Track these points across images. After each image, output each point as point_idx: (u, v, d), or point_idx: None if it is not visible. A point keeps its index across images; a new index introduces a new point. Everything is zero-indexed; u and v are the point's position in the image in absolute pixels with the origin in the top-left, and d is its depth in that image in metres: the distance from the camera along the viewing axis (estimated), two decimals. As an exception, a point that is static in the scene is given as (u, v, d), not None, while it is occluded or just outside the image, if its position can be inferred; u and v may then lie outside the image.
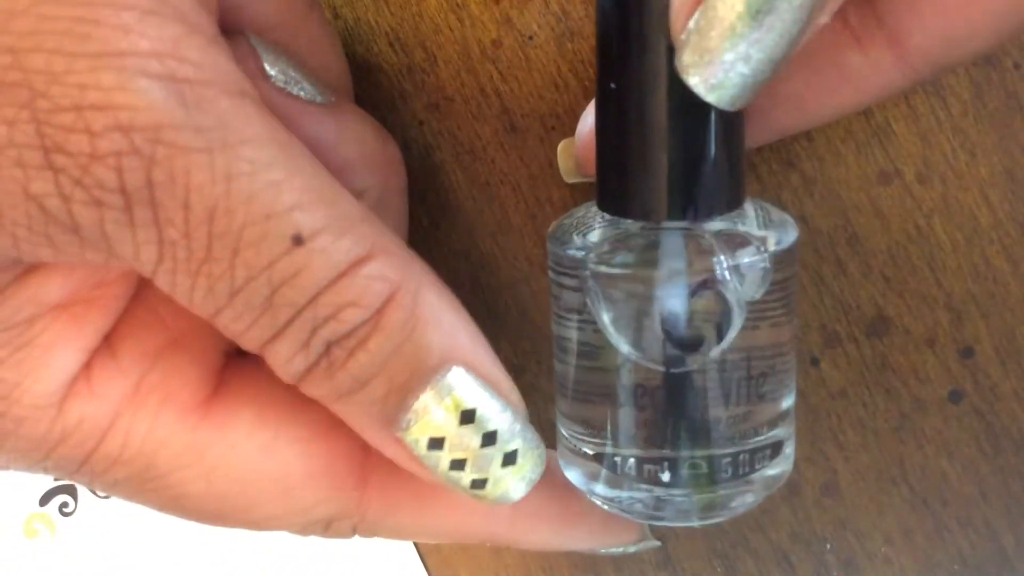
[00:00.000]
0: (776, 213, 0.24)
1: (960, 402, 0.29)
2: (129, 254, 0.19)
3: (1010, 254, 0.28)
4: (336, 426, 0.23)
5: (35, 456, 0.22)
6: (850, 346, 0.29)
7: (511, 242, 0.29)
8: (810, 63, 0.23)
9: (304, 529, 0.24)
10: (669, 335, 0.22)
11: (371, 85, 0.29)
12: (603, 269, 0.22)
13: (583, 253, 0.23)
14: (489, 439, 0.22)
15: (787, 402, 0.24)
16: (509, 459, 0.22)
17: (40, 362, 0.21)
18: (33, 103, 0.18)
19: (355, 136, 0.25)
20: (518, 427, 0.22)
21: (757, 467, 0.23)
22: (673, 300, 0.22)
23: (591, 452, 0.24)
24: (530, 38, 0.28)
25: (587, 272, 0.23)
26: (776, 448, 0.24)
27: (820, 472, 0.30)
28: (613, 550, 0.27)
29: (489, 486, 0.22)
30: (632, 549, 0.27)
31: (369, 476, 0.24)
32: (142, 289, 0.23)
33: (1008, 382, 0.29)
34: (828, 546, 0.30)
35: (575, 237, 0.23)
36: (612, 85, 0.22)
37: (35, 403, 0.21)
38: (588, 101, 0.28)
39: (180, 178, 0.18)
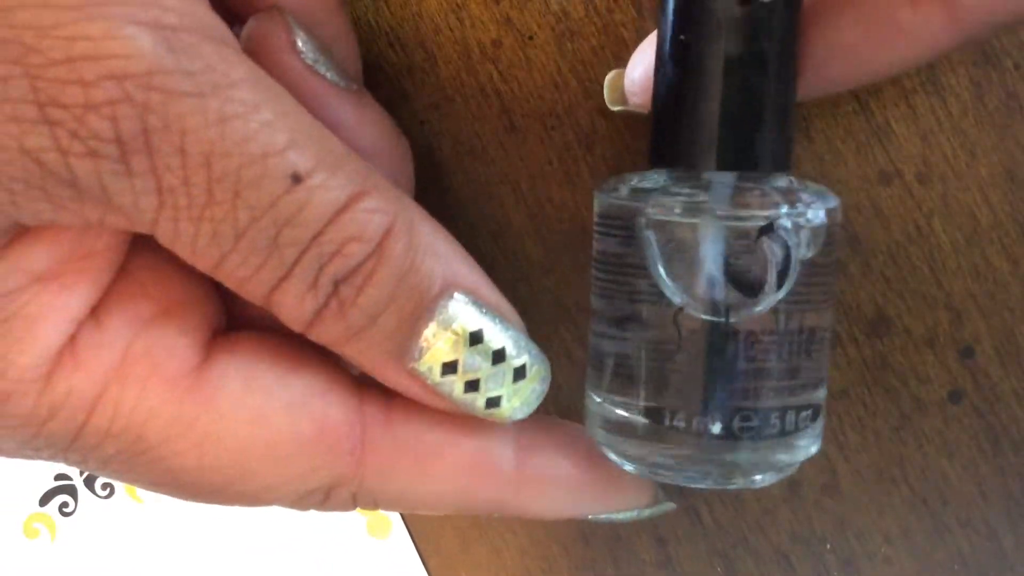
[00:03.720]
0: (813, 184, 0.25)
1: (960, 402, 0.29)
2: (128, 205, 0.19)
3: (1010, 254, 0.28)
4: (328, 391, 0.23)
5: (25, 433, 0.21)
6: (850, 346, 0.29)
7: (511, 242, 0.29)
8: (865, 15, 0.24)
9: (302, 500, 0.24)
10: (732, 279, 0.23)
11: (371, 85, 0.29)
12: (662, 216, 0.23)
13: (640, 203, 0.24)
14: (499, 357, 0.22)
15: (826, 367, 0.25)
16: (519, 374, 0.23)
17: (27, 333, 0.21)
18: (25, 58, 0.18)
19: (373, 125, 0.25)
20: (523, 342, 0.23)
21: (801, 426, 0.24)
22: (736, 244, 0.23)
23: (628, 415, 0.24)
24: (530, 38, 0.28)
25: (644, 220, 0.23)
26: (816, 412, 0.24)
27: (820, 472, 0.30)
28: (626, 515, 0.27)
29: (504, 403, 0.23)
30: (647, 513, 0.27)
31: (365, 441, 0.24)
32: (128, 262, 0.23)
33: (1008, 382, 0.29)
34: (828, 546, 0.30)
35: (630, 191, 0.24)
36: (681, 37, 0.23)
37: (21, 376, 0.21)
38: (588, 101, 0.28)
39: (175, 123, 0.18)
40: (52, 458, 0.22)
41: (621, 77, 0.27)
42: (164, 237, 0.20)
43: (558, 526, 0.32)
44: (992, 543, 0.30)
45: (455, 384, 0.22)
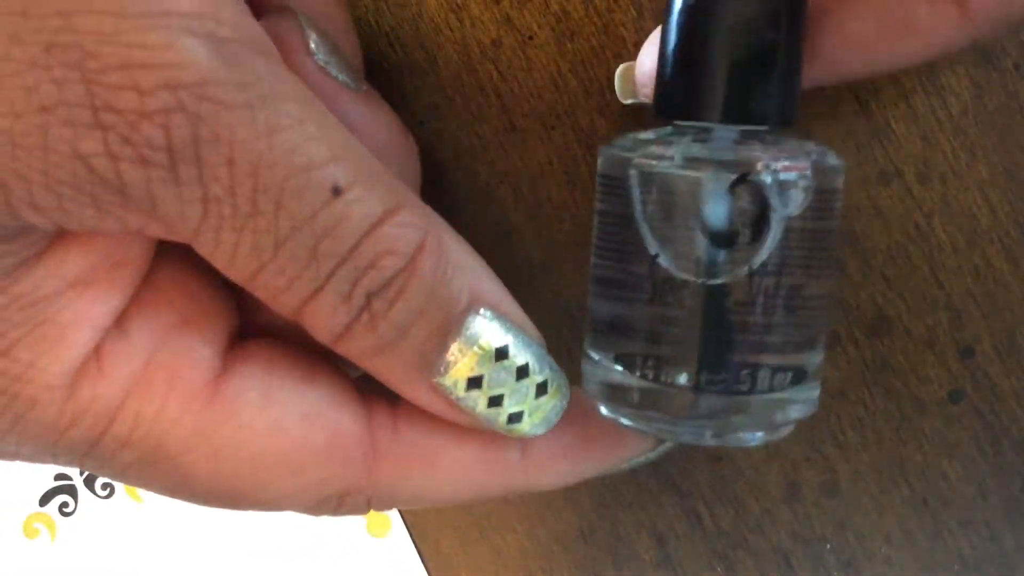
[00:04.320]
0: (817, 145, 0.25)
1: (960, 402, 0.29)
2: (173, 213, 0.19)
3: (1010, 254, 0.28)
4: (339, 401, 0.23)
5: (45, 441, 0.21)
6: (850, 346, 0.29)
7: (511, 242, 0.29)
8: (880, 8, 0.24)
9: (316, 507, 0.24)
10: (706, 227, 0.23)
11: (371, 85, 0.29)
12: (647, 167, 0.23)
13: (630, 152, 0.24)
14: (522, 372, 0.23)
15: (821, 333, 0.24)
16: (542, 389, 0.23)
17: (56, 341, 0.21)
18: (83, 63, 0.18)
19: (383, 124, 0.25)
20: (544, 359, 0.23)
21: (776, 387, 0.24)
22: (713, 192, 0.22)
23: (623, 374, 0.24)
24: (530, 38, 0.28)
25: (632, 172, 0.23)
26: (799, 375, 0.24)
27: (820, 472, 0.30)
28: (633, 463, 0.27)
29: (525, 418, 0.23)
30: (652, 456, 0.27)
31: (376, 448, 0.24)
32: (152, 271, 0.23)
33: (1008, 382, 0.29)
34: (828, 546, 0.30)
35: (624, 143, 0.24)
36: None
37: (49, 383, 0.21)
38: (588, 101, 0.28)
39: (224, 134, 0.19)
40: (68, 464, 0.23)
41: (632, 70, 0.27)
42: (204, 247, 0.20)
43: (558, 525, 0.32)
44: (992, 543, 0.30)
45: (479, 399, 0.22)
